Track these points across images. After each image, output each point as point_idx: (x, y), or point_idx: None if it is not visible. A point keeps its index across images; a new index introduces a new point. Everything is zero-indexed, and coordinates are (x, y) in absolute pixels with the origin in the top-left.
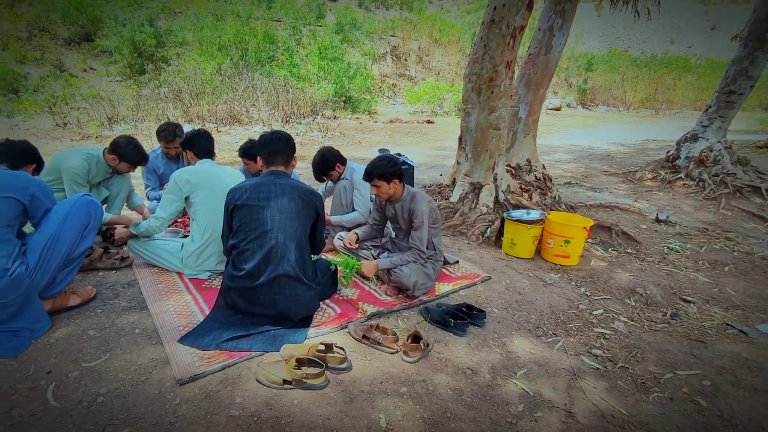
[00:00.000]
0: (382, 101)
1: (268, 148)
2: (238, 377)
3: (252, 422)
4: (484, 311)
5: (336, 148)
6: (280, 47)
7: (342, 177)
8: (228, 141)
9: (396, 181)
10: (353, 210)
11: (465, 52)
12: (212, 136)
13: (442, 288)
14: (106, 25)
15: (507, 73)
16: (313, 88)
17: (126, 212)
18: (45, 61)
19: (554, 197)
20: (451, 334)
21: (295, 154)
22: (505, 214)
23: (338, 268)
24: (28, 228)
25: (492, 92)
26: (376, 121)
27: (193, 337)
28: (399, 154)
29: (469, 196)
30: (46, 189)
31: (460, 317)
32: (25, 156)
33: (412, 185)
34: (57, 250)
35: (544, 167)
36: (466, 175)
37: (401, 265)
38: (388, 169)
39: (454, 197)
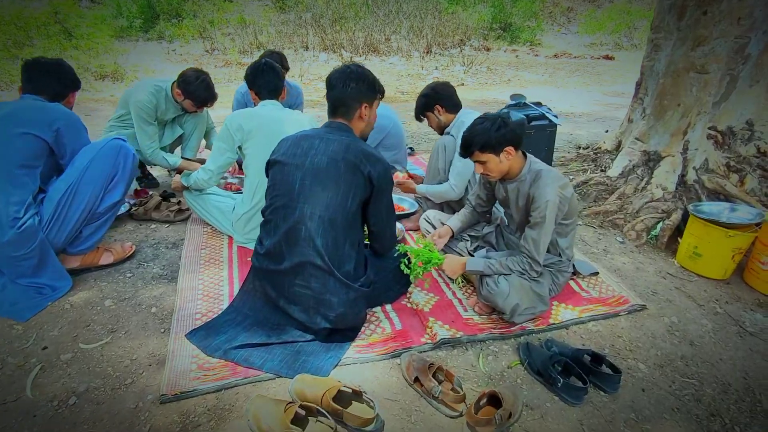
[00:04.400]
0: (551, 30)
1: (330, 91)
2: (231, 408)
3: None
4: (620, 371)
5: (452, 86)
6: None
7: (447, 130)
8: None
9: (510, 149)
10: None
11: None
12: (279, 68)
13: (563, 313)
14: None
15: None
16: (466, 12)
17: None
18: None
19: None
20: (557, 397)
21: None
22: (690, 206)
23: (409, 257)
24: None
25: (705, 13)
26: (536, 55)
27: (204, 333)
28: (537, 104)
29: (638, 171)
30: (75, 124)
31: (579, 371)
32: (65, 81)
33: (551, 150)
34: (76, 203)
35: None
36: (638, 138)
37: (499, 275)
38: (495, 134)
39: (614, 170)
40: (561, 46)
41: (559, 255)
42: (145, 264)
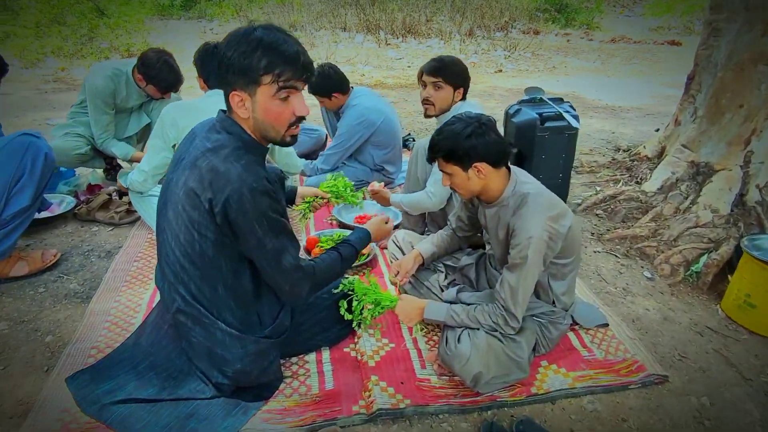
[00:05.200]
0: (612, 12)
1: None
2: None
3: None
4: None
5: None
6: None
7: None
8: (392, 57)
9: (482, 166)
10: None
11: None
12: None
13: (551, 379)
14: None
15: None
16: None
17: None
18: None
19: None
20: None
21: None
22: (745, 240)
23: (353, 297)
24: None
25: None
26: (591, 39)
27: (89, 378)
28: (558, 100)
29: (682, 187)
30: None
31: None
32: None
33: (570, 157)
34: None
35: None
36: (685, 145)
37: (463, 328)
38: (465, 142)
39: (652, 183)
40: (621, 29)
41: (553, 303)
42: (65, 276)
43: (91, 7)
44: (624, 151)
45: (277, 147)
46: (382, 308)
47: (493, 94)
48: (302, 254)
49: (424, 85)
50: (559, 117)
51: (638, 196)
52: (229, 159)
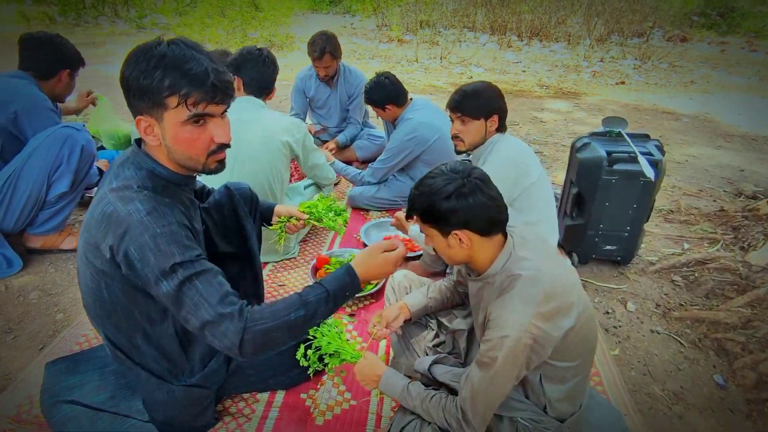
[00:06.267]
0: None
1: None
2: None
3: None
4: None
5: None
6: None
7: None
8: (510, 60)
9: (464, 234)
10: None
11: None
12: (274, 61)
13: None
14: None
15: None
16: None
17: None
18: None
19: None
20: None
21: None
22: None
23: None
24: None
25: None
26: (754, 50)
27: (65, 366)
28: (643, 138)
29: None
30: (35, 107)
31: None
32: (55, 58)
33: (644, 209)
34: (20, 190)
35: None
36: None
37: (414, 417)
38: (444, 204)
39: (762, 254)
40: None
41: (544, 408)
42: None
43: (249, 2)
44: (748, 197)
45: (302, 156)
46: (341, 361)
47: (603, 110)
48: (309, 274)
49: (452, 120)
50: (633, 159)
51: (737, 268)
52: (132, 201)
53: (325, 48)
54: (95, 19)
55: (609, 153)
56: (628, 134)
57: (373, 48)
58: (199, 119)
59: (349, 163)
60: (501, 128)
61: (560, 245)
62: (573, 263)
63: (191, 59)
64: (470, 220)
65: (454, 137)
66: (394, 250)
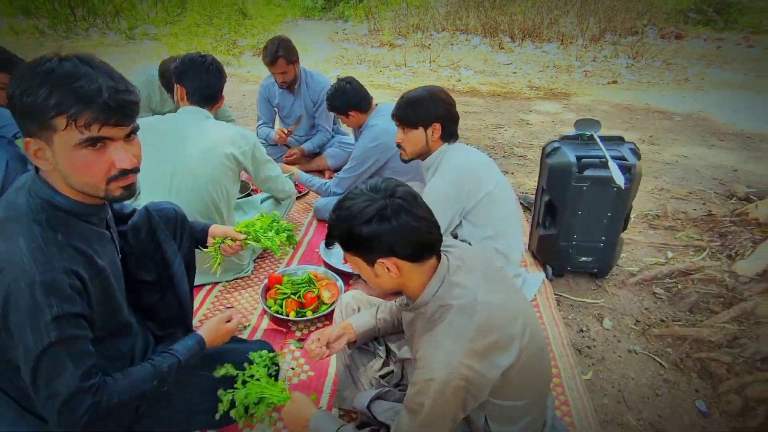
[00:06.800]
0: None
1: None
2: None
3: None
4: None
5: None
6: None
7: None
8: (501, 62)
9: (390, 262)
10: None
11: None
12: (220, 68)
13: None
14: None
15: None
16: None
17: None
18: None
19: None
20: None
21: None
22: None
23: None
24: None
25: None
26: (751, 46)
27: None
28: (616, 140)
29: None
30: None
31: None
32: None
33: (619, 219)
34: None
35: None
36: None
37: None
38: (364, 229)
39: (750, 264)
40: None
41: None
42: None
43: (237, 9)
44: (740, 199)
45: (252, 169)
46: (266, 406)
47: (593, 111)
48: (260, 294)
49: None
50: (604, 164)
51: (724, 278)
52: (16, 237)
53: (277, 53)
54: (86, 31)
55: (579, 158)
56: (601, 137)
57: (363, 53)
58: (95, 142)
59: (320, 172)
60: (447, 137)
61: (535, 256)
62: (548, 276)
63: (83, 76)
64: (396, 246)
65: (398, 146)
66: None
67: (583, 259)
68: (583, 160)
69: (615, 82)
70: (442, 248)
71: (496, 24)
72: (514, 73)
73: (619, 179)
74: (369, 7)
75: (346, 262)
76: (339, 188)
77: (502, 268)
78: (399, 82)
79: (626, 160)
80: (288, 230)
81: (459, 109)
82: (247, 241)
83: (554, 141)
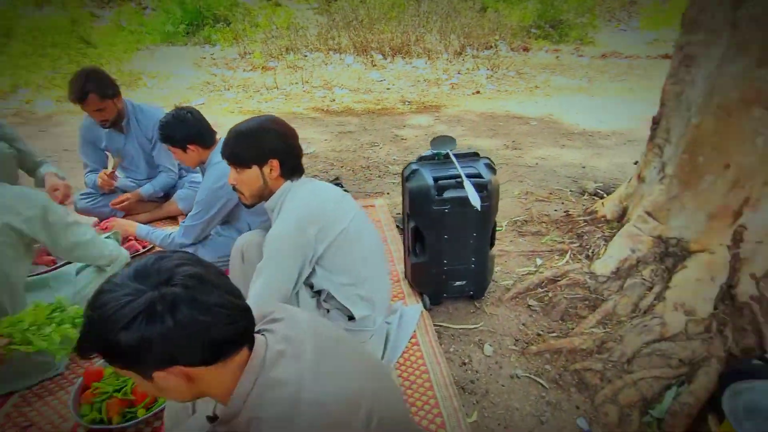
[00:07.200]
0: (607, 27)
1: None
2: None
3: None
4: None
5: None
6: None
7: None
8: (374, 79)
9: (160, 374)
10: None
11: None
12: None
13: None
14: None
15: None
16: (509, 9)
17: None
18: None
19: None
20: None
21: None
22: (729, 392)
23: None
24: None
25: None
26: (581, 56)
27: None
28: (471, 156)
29: (644, 272)
30: None
31: None
32: None
33: (485, 236)
34: None
35: None
36: (650, 213)
37: None
38: (118, 338)
39: (605, 262)
40: (615, 44)
41: None
42: None
43: (77, 37)
44: (590, 195)
45: (47, 238)
46: None
47: (462, 120)
48: (71, 398)
49: None
50: (460, 184)
51: (585, 280)
52: None
53: (84, 88)
54: None
55: (437, 179)
56: (456, 155)
57: (233, 78)
58: None
59: (174, 218)
60: (288, 173)
61: (412, 285)
62: (425, 306)
63: None
64: (177, 353)
65: (233, 188)
66: None
67: (458, 283)
68: (440, 182)
69: (478, 92)
70: (260, 327)
71: (367, 42)
72: (388, 89)
73: (475, 201)
74: (237, 30)
75: None
76: (186, 238)
77: (343, 334)
78: (270, 107)
79: (482, 177)
80: (79, 318)
81: (333, 129)
82: (12, 347)
83: (412, 163)
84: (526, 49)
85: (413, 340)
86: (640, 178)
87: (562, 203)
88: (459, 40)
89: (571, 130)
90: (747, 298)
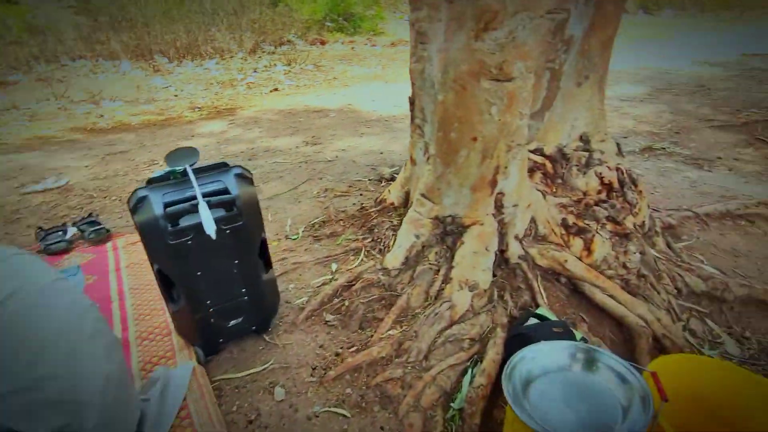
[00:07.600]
0: (392, 18)
1: None
2: None
3: None
4: None
5: None
6: None
7: None
8: (158, 86)
9: None
10: None
11: None
12: None
13: None
14: None
15: None
16: (300, 4)
17: None
18: None
19: (645, 230)
20: None
21: None
22: (506, 372)
23: None
24: None
25: None
26: (374, 45)
27: None
28: (220, 167)
29: (430, 256)
30: None
31: None
32: None
33: (251, 259)
34: None
35: (619, 151)
36: (425, 195)
37: None
38: None
39: (395, 254)
40: (401, 33)
41: None
42: None
43: None
44: (387, 181)
45: None
46: None
47: (259, 121)
48: None
49: None
50: (195, 207)
51: (379, 278)
52: None
53: None
54: None
55: (167, 206)
56: (197, 170)
57: None
58: None
59: None
60: None
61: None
62: (200, 360)
63: None
64: None
65: None
66: None
67: (233, 322)
68: (169, 209)
69: (276, 89)
70: None
71: (145, 45)
72: (176, 96)
73: (210, 228)
74: None
75: None
76: None
77: None
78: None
79: (228, 192)
80: None
81: (99, 152)
82: None
83: (140, 188)
84: (323, 42)
85: (183, 412)
86: (413, 161)
87: (361, 194)
88: (252, 37)
89: (369, 118)
90: (516, 259)
